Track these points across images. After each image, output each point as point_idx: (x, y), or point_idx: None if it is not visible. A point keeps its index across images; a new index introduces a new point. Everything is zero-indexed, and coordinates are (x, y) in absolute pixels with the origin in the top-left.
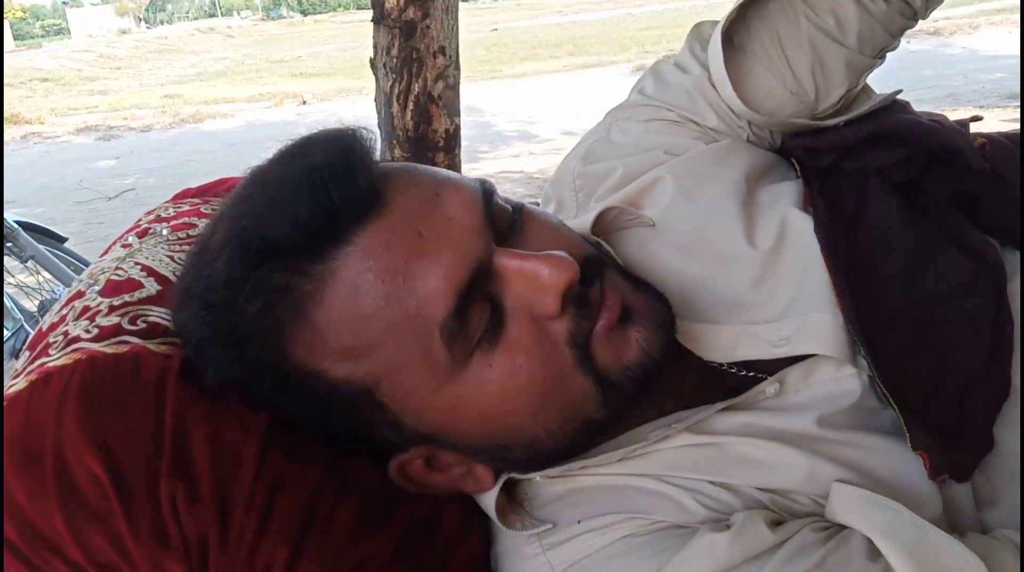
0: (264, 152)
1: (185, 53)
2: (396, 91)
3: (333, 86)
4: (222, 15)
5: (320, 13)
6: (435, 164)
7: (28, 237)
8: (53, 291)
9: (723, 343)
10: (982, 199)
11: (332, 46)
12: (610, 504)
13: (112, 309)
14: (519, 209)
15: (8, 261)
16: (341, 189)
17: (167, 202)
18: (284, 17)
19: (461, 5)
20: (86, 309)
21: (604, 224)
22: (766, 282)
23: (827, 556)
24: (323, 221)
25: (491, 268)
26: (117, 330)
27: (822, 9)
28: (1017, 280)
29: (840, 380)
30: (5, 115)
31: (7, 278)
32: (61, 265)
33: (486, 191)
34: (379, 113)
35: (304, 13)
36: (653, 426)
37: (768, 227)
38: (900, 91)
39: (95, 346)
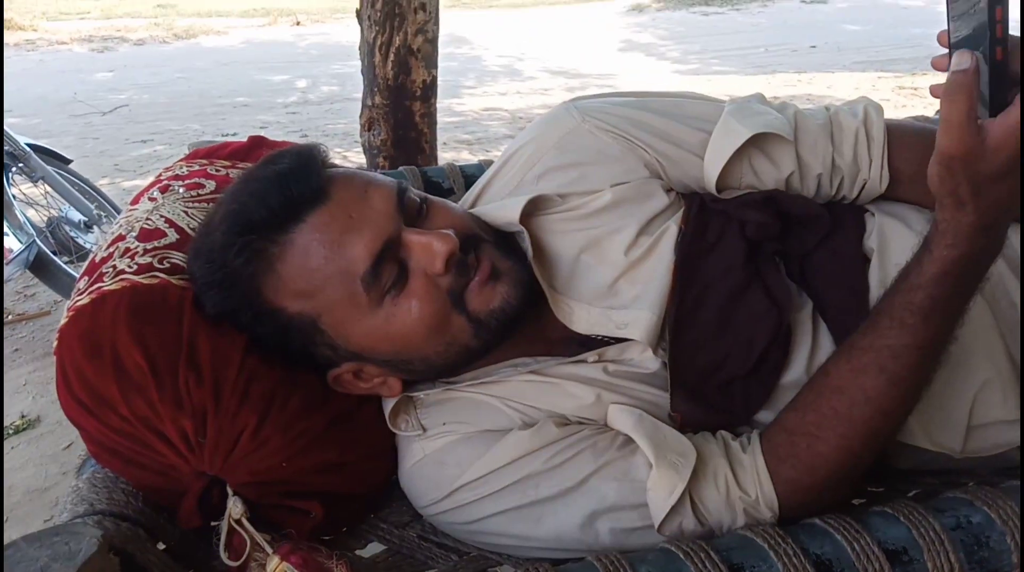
0: (258, 73)
1: None
2: (379, 42)
3: (327, 4)
4: None
5: None
6: (412, 112)
7: (38, 159)
8: (60, 208)
9: (589, 318)
10: (805, 261)
11: None
12: (466, 413)
13: (146, 251)
14: (425, 200)
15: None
16: (300, 186)
17: (181, 160)
18: None
19: None
20: (127, 250)
21: (537, 204)
22: (622, 282)
23: (597, 440)
24: (286, 207)
25: (400, 241)
26: (150, 267)
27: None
28: (803, 313)
29: (644, 359)
30: None
31: (16, 191)
32: (67, 185)
33: (400, 189)
34: (363, 61)
35: None
36: (508, 365)
37: (644, 244)
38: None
39: (136, 278)
